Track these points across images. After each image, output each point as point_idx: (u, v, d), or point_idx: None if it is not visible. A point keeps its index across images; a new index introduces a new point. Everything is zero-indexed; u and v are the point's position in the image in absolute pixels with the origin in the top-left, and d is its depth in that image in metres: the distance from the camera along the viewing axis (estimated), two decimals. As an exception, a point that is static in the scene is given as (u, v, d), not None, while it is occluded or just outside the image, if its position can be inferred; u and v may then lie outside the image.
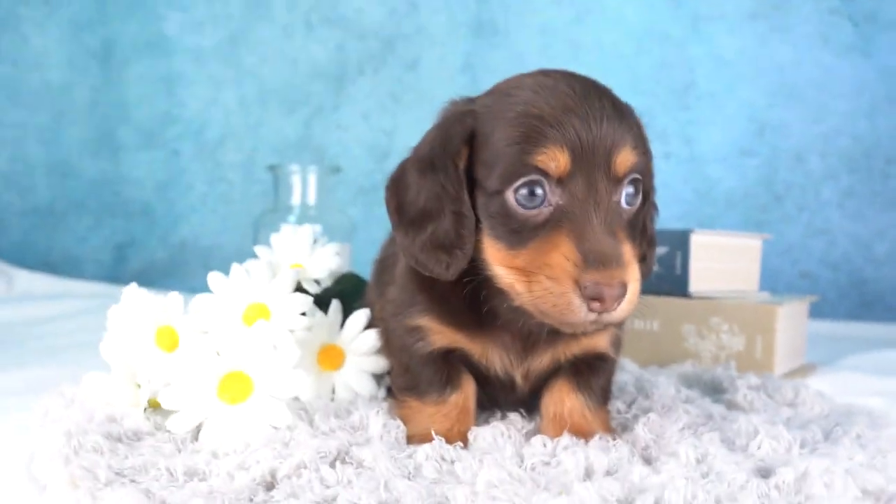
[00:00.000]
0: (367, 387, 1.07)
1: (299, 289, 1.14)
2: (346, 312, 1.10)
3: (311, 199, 2.07)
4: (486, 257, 0.84)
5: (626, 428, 0.96)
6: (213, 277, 1.06)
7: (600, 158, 0.78)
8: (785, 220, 2.67)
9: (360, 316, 1.09)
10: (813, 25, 2.64)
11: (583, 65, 2.75)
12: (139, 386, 0.97)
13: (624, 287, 0.75)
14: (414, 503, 0.69)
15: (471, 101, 0.88)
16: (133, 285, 1.05)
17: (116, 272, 3.03)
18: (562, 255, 0.76)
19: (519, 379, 0.95)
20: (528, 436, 0.90)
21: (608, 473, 0.77)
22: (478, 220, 0.84)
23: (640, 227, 0.91)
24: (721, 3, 2.71)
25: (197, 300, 1.04)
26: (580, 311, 0.75)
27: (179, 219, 3.05)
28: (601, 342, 0.95)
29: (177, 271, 3.03)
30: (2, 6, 3.03)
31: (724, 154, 2.72)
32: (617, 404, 1.06)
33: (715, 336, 1.42)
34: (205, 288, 1.06)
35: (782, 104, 2.68)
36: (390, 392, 1.04)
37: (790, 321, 1.44)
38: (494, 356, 0.93)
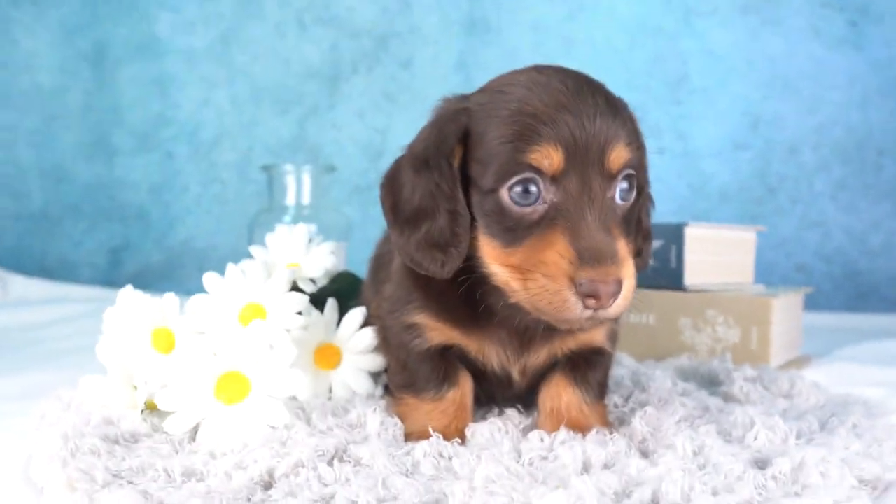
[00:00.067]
0: (364, 385, 1.07)
1: (295, 288, 1.15)
2: (343, 311, 1.10)
3: (306, 198, 2.07)
4: (482, 255, 0.84)
5: (623, 422, 0.97)
6: (209, 278, 1.06)
7: (594, 155, 0.78)
8: (779, 213, 2.67)
9: (357, 314, 1.09)
10: (804, 18, 2.65)
11: (576, 60, 2.75)
12: (136, 388, 0.97)
13: (619, 284, 0.75)
14: (412, 500, 0.69)
15: (464, 98, 0.88)
16: (128, 287, 1.05)
17: (112, 276, 3.03)
18: (557, 252, 0.76)
19: (516, 375, 0.95)
20: (526, 431, 0.90)
21: (606, 467, 0.78)
22: (473, 218, 0.84)
23: (636, 221, 0.91)
24: (713, -3, 2.72)
25: (193, 301, 1.05)
26: (576, 309, 0.75)
27: (175, 221, 3.04)
28: (597, 336, 0.95)
29: (173, 274, 3.03)
30: (-7, 10, 3.03)
31: (717, 148, 2.72)
32: (614, 398, 1.07)
33: (711, 329, 1.42)
34: (201, 290, 1.06)
35: (775, 97, 2.68)
36: (388, 390, 1.04)
37: (785, 313, 1.45)
38: (491, 352, 0.93)
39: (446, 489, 0.70)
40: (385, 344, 1.02)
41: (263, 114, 3.01)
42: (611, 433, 0.86)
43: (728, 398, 1.12)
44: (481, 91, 0.88)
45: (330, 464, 0.77)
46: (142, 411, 0.94)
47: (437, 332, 0.93)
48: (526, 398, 0.99)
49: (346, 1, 2.95)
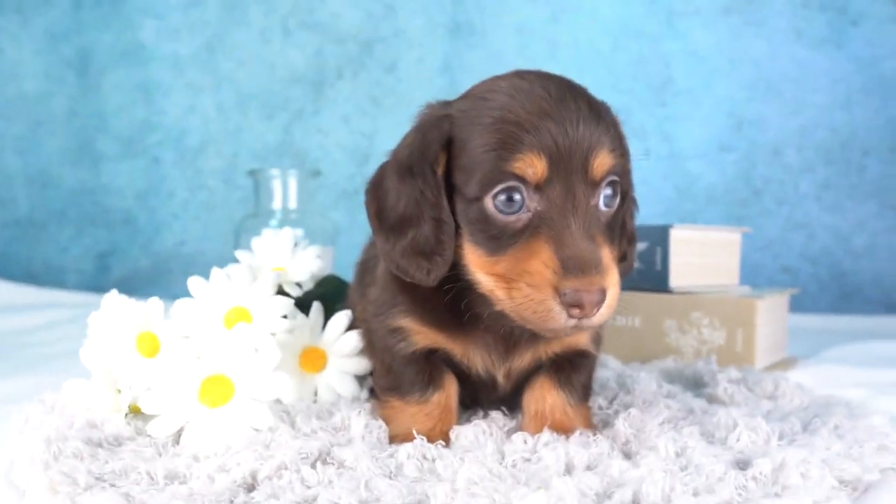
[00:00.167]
0: (349, 388, 1.07)
1: (281, 292, 1.14)
2: (328, 315, 1.10)
3: (292, 203, 2.07)
4: (467, 263, 0.84)
5: (607, 423, 0.97)
6: (194, 282, 1.05)
7: (577, 163, 0.78)
8: (764, 215, 2.69)
9: (342, 318, 1.09)
10: (786, 19, 2.66)
11: (560, 63, 2.78)
12: (120, 391, 0.96)
13: (603, 293, 0.75)
14: (394, 501, 0.69)
15: (447, 104, 0.88)
16: (113, 292, 1.05)
17: (99, 282, 3.02)
18: (541, 262, 0.76)
19: (501, 378, 0.95)
20: (510, 433, 0.90)
21: (588, 468, 0.78)
22: (458, 226, 0.85)
23: (620, 225, 0.91)
24: (695, -2, 2.73)
25: (178, 305, 1.04)
26: (560, 318, 0.75)
27: (161, 226, 3.04)
28: (582, 339, 0.95)
29: (160, 279, 3.02)
30: (-24, 17, 3.02)
31: (703, 150, 2.74)
32: (598, 400, 1.07)
33: (696, 331, 1.43)
34: (188, 295, 1.05)
35: (759, 98, 2.70)
36: (373, 393, 1.04)
37: (770, 315, 1.45)
38: (476, 356, 0.93)
39: (429, 491, 0.70)
40: (370, 347, 1.02)
41: (249, 119, 3.00)
42: (594, 435, 0.87)
43: (712, 400, 1.12)
44: (464, 97, 0.88)
45: (313, 466, 0.78)
46: (126, 415, 0.94)
47: (421, 335, 0.93)
48: (511, 401, 0.99)
49: (330, 6, 2.95)
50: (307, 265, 1.22)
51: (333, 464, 0.79)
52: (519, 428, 0.94)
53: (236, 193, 2.99)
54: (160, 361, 0.88)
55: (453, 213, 0.85)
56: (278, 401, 0.99)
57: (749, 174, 2.70)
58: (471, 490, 0.70)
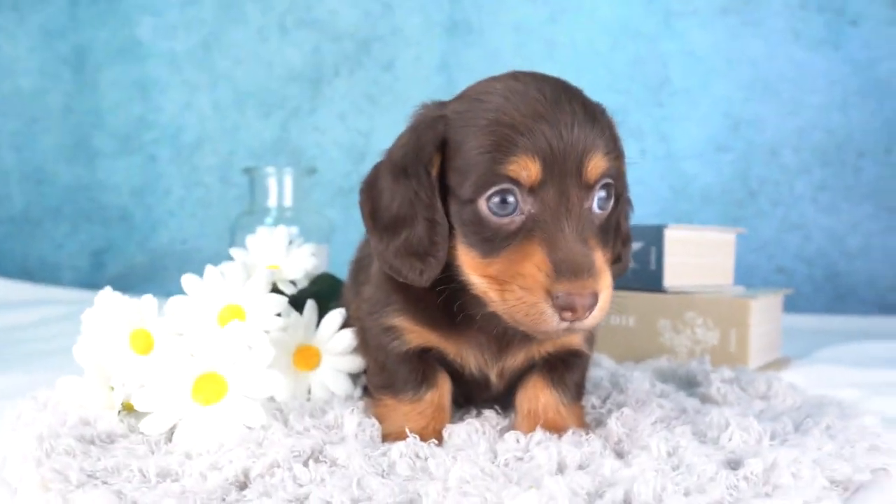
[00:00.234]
0: (343, 386, 1.07)
1: (275, 290, 1.15)
2: (322, 313, 1.10)
3: (288, 200, 2.07)
4: (461, 264, 0.84)
5: (600, 423, 0.97)
6: (188, 279, 1.05)
7: (571, 166, 0.79)
8: (760, 216, 2.69)
9: (336, 316, 1.09)
10: (784, 20, 2.67)
11: (558, 63, 2.78)
12: (113, 389, 0.96)
13: (595, 297, 0.76)
14: (386, 500, 0.69)
15: (442, 105, 0.88)
16: (107, 289, 1.05)
17: (94, 278, 3.02)
18: (534, 265, 0.76)
19: (494, 377, 0.95)
20: (503, 432, 0.90)
21: (580, 467, 0.78)
22: (452, 227, 0.85)
23: (615, 227, 0.91)
24: (692, -1, 2.74)
25: (172, 302, 1.04)
26: (552, 321, 0.76)
27: (157, 224, 3.04)
28: (575, 339, 0.95)
29: (155, 276, 3.02)
30: (-28, 14, 3.02)
31: (699, 150, 2.74)
32: (592, 399, 1.07)
33: (690, 330, 1.43)
34: (183, 292, 1.05)
35: (756, 99, 2.70)
36: (366, 391, 1.04)
37: (764, 315, 1.46)
38: (469, 355, 0.93)
39: (420, 489, 0.71)
40: (364, 345, 1.02)
41: (246, 117, 3.00)
42: (587, 434, 0.87)
43: (705, 399, 1.12)
44: (459, 98, 0.88)
45: (305, 464, 0.78)
46: (119, 412, 0.94)
47: (415, 334, 0.93)
48: (504, 399, 1.00)
49: (328, 4, 2.95)
50: (301, 263, 1.22)
51: (326, 462, 0.79)
52: (512, 427, 0.94)
53: (232, 191, 2.99)
54: (154, 359, 0.88)
55: (447, 214, 0.85)
56: (272, 398, 0.99)
57: (745, 175, 2.71)
58: (462, 489, 0.70)
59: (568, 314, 0.75)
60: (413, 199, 0.85)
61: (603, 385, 1.16)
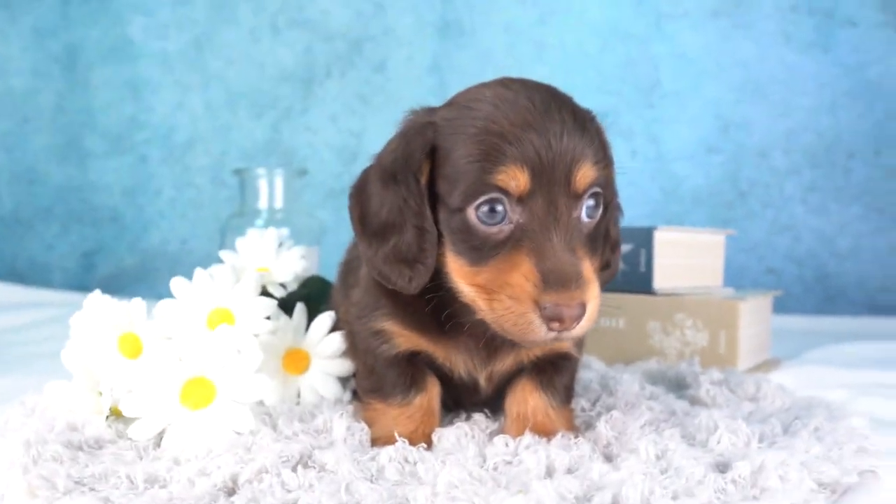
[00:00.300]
0: (332, 390, 1.07)
1: (264, 293, 1.14)
2: (312, 316, 1.10)
3: (279, 202, 2.06)
4: (449, 271, 0.85)
5: (589, 426, 0.97)
6: (176, 283, 1.05)
7: (560, 176, 0.79)
8: (750, 217, 2.70)
9: (325, 319, 1.09)
10: (774, 22, 2.67)
11: (548, 64, 2.78)
12: (101, 393, 0.96)
13: (583, 307, 0.76)
14: (374, 505, 0.70)
15: (431, 111, 0.88)
16: (96, 292, 1.04)
17: (85, 280, 3.01)
18: (522, 275, 0.77)
19: (483, 381, 0.95)
20: (492, 436, 0.90)
21: (569, 471, 0.78)
22: (441, 235, 0.85)
23: (603, 233, 0.91)
24: (683, 1, 2.74)
25: (160, 306, 1.04)
26: (540, 331, 0.76)
27: (148, 225, 3.03)
28: (564, 343, 0.96)
29: (146, 278, 3.01)
30: (-37, 13, 3.00)
31: (689, 152, 2.74)
32: (581, 402, 1.07)
33: (679, 332, 1.44)
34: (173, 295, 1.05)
35: (746, 101, 2.71)
36: (356, 395, 1.04)
37: (753, 316, 1.46)
38: (458, 360, 0.94)
39: (409, 494, 0.71)
40: (353, 349, 1.02)
41: (237, 117, 3.00)
42: (576, 437, 0.87)
43: (695, 401, 1.13)
44: (448, 105, 0.87)
45: (294, 469, 0.77)
46: (107, 417, 0.93)
47: (404, 338, 0.93)
48: (493, 403, 1.00)
49: (319, 4, 2.95)
50: (291, 266, 1.22)
51: (314, 467, 0.79)
52: (501, 430, 0.94)
53: (224, 192, 2.99)
54: (142, 363, 0.88)
55: (436, 221, 0.85)
56: (261, 403, 0.99)
57: (735, 176, 2.71)
58: (451, 493, 0.70)
59: (556, 324, 0.75)
60: (402, 205, 0.85)
61: (592, 387, 1.16)
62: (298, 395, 1.07)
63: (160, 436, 0.87)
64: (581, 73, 2.77)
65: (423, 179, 0.84)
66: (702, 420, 0.94)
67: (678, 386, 1.23)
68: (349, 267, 1.09)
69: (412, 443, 0.85)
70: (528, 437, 0.86)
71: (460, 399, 1.01)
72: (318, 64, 2.97)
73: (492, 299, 0.79)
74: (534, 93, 0.83)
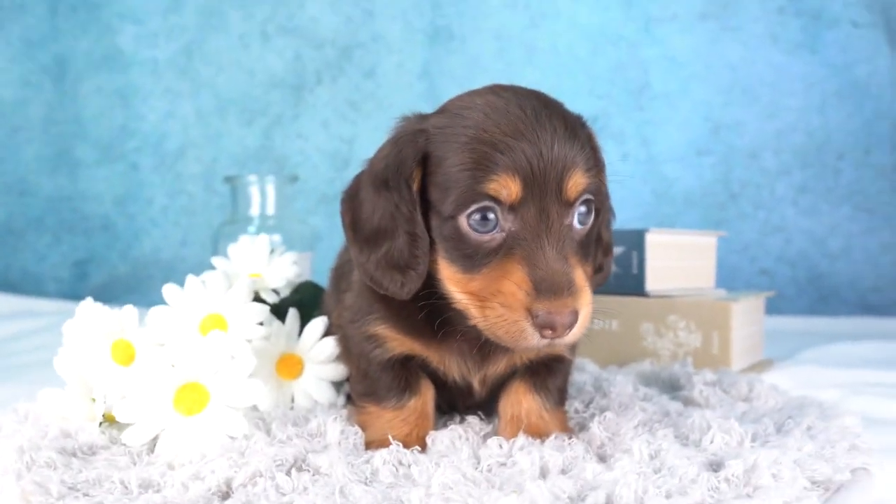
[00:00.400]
0: (326, 394, 1.07)
1: (257, 299, 1.15)
2: (305, 321, 1.10)
3: (271, 209, 2.06)
4: (442, 278, 0.85)
5: (583, 427, 0.97)
6: (169, 290, 1.05)
7: (552, 184, 0.79)
8: (742, 218, 2.71)
9: (318, 324, 1.09)
10: (762, 25, 2.69)
11: (538, 68, 2.79)
12: (94, 400, 0.96)
13: (575, 315, 0.77)
14: (368, 507, 0.70)
15: (423, 118, 0.88)
16: (88, 300, 1.04)
17: (77, 289, 2.99)
18: (514, 283, 0.77)
19: (476, 384, 0.96)
20: (486, 438, 0.90)
21: (563, 472, 0.78)
22: (433, 241, 0.85)
23: (596, 238, 0.92)
24: (671, 4, 2.75)
25: (153, 313, 1.04)
26: (532, 338, 0.77)
27: (140, 233, 3.02)
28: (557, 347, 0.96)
29: (139, 286, 3.00)
30: (-48, 23, 3.00)
31: (680, 154, 2.75)
32: (575, 404, 1.07)
33: (672, 334, 1.44)
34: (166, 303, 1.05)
35: (735, 103, 2.72)
36: (349, 399, 1.04)
37: (746, 317, 1.46)
38: (452, 363, 0.94)
39: (403, 496, 0.71)
40: (346, 353, 1.02)
41: (228, 125, 3.00)
42: (570, 438, 0.87)
43: (688, 402, 1.13)
44: (440, 112, 0.88)
45: (288, 473, 0.78)
46: (100, 423, 0.93)
47: (397, 342, 0.93)
48: (487, 405, 1.00)
49: (309, 11, 2.95)
50: (284, 271, 1.22)
51: (309, 470, 0.79)
52: (495, 432, 0.94)
53: (216, 199, 2.98)
54: (135, 369, 0.88)
55: (428, 228, 0.85)
56: (254, 408, 0.99)
57: (726, 178, 2.72)
58: (445, 495, 0.70)
59: (548, 332, 0.76)
60: (394, 211, 0.85)
61: (586, 389, 1.16)
62: (292, 400, 1.07)
63: (154, 441, 0.87)
64: (571, 76, 2.78)
65: (416, 186, 0.84)
66: (695, 420, 0.94)
67: (672, 387, 1.23)
68: (341, 272, 1.09)
69: (406, 446, 0.85)
70: (521, 439, 0.86)
71: (454, 402, 1.01)
72: (308, 71, 2.97)
73: (484, 307, 0.79)
74: (525, 101, 0.83)
